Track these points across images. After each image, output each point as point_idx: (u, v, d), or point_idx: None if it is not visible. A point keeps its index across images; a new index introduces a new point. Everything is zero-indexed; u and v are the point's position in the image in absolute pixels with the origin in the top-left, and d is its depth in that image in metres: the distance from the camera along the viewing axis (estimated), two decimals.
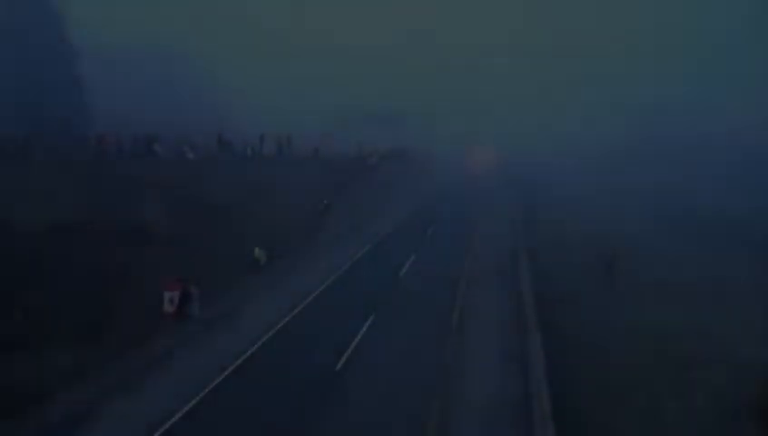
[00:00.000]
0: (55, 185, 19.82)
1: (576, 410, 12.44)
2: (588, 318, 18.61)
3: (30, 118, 29.95)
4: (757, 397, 12.75)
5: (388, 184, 44.68)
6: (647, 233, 34.34)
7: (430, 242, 29.92)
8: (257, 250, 21.37)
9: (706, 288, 22.88)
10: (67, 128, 26.83)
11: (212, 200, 25.61)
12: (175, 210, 22.15)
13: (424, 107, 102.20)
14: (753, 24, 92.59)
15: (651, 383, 14.03)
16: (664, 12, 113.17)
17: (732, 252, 29.67)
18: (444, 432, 11.22)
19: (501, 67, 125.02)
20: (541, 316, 17.51)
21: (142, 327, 15.15)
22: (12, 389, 11.65)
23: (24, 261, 15.49)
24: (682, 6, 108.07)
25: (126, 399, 12.13)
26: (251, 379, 13.30)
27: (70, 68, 40.05)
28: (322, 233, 28.33)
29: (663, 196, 49.83)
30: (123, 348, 13.90)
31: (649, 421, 12.44)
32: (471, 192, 51.80)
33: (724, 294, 22.16)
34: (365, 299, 19.46)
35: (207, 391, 12.56)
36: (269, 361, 14.27)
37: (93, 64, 44.01)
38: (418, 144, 67.68)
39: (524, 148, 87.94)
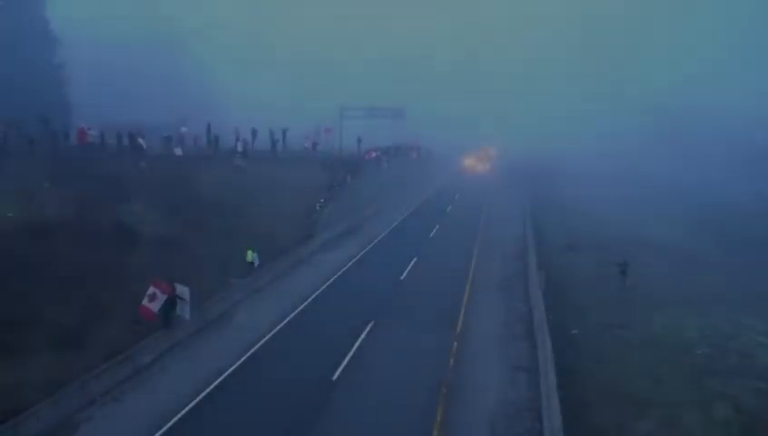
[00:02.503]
0: (34, 182, 19.72)
1: (588, 422, 12.41)
2: (602, 324, 18.58)
3: (5, 110, 29.72)
4: None
5: (389, 182, 44.62)
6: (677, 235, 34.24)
7: (433, 244, 29.88)
8: (249, 252, 21.29)
9: (733, 296, 22.76)
10: (46, 121, 26.56)
11: (202, 198, 25.51)
12: (162, 209, 22.06)
13: (426, 103, 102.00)
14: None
15: (668, 393, 13.99)
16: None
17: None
18: None
19: (509, 63, 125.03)
20: (552, 321, 17.49)
21: (127, 334, 15.07)
22: None
23: (0, 262, 15.40)
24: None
25: (106, 412, 12.07)
26: (238, 393, 13.23)
27: (50, 56, 39.83)
28: (318, 234, 28.26)
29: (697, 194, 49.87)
30: (105, 356, 13.79)
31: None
32: (476, 190, 51.78)
33: (751, 303, 21.98)
34: (364, 303, 19.44)
35: (189, 407, 12.44)
36: (258, 374, 14.21)
37: (77, 53, 43.73)
38: (418, 140, 67.53)
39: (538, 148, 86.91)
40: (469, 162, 69.76)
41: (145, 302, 15.02)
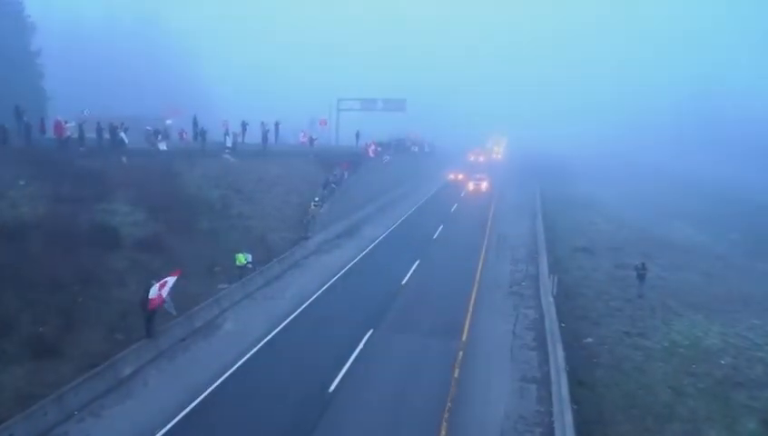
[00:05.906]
0: (8, 179, 19.61)
1: None
2: (618, 332, 18.52)
3: None
4: None
5: (389, 178, 44.57)
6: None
7: (437, 245, 29.82)
8: (240, 256, 21.21)
9: (759, 301, 22.67)
10: (20, 112, 26.37)
11: (188, 197, 25.42)
12: (146, 208, 21.95)
13: (426, 96, 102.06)
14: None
15: (690, 406, 13.92)
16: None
17: None
18: None
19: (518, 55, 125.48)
20: (564, 328, 17.45)
21: (108, 343, 15.00)
22: None
23: None
24: None
25: (84, 427, 11.98)
26: (226, 407, 13.15)
27: (26, 44, 39.67)
28: (314, 235, 28.16)
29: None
30: (84, 367, 13.71)
31: None
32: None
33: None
34: (362, 310, 19.36)
35: (174, 422, 12.33)
36: (248, 386, 14.12)
37: (54, 41, 43.60)
38: (419, 134, 67.57)
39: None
40: (454, 176, 56.97)
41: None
